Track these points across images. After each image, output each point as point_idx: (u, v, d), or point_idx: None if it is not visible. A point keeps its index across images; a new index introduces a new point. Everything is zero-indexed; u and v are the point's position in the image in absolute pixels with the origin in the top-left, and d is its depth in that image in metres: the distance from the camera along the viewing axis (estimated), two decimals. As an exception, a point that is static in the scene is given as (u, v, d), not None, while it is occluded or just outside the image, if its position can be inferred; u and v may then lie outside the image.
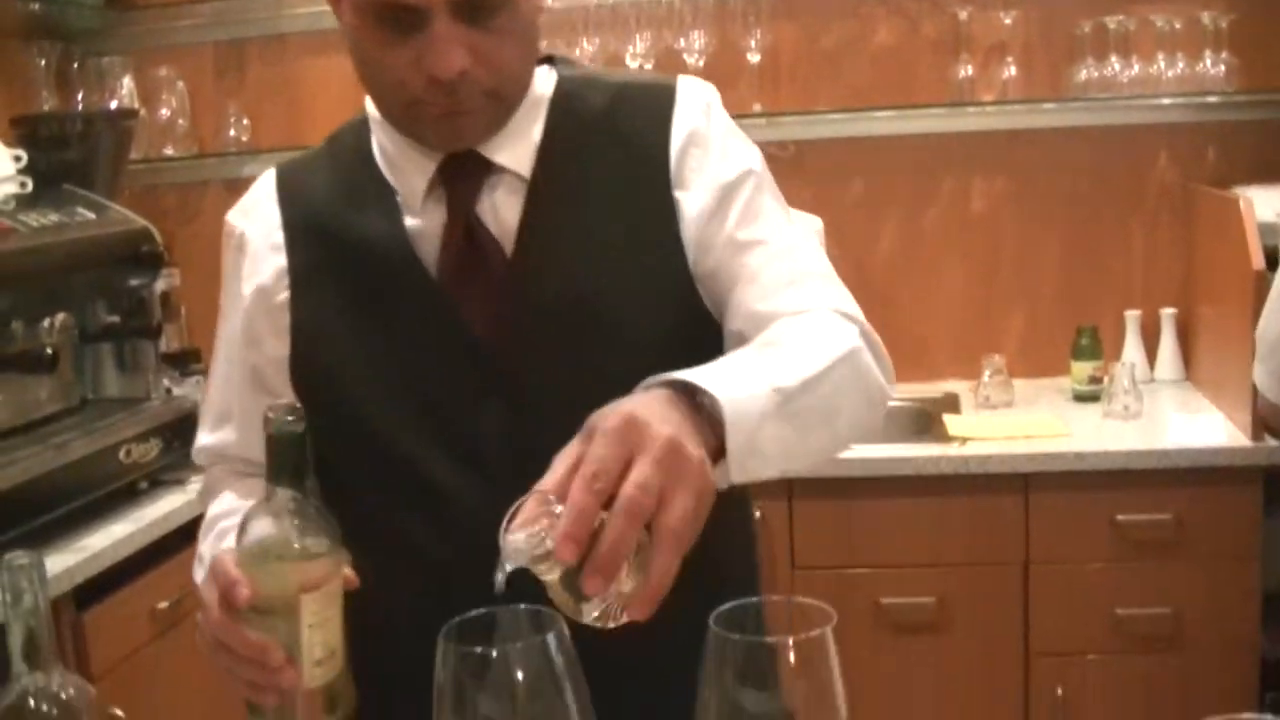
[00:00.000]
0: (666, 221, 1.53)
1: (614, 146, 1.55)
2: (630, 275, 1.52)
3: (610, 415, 1.06)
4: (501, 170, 1.54)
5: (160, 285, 3.29)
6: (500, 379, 1.51)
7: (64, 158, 3.34)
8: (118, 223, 3.22)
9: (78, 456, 2.88)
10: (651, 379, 1.18)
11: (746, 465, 1.19)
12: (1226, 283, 3.32)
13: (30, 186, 3.07)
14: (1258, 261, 3.08)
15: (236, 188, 1.67)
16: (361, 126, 1.62)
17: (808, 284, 1.48)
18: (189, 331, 3.78)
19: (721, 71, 3.79)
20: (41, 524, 2.72)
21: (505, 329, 1.52)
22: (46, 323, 3.00)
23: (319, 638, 1.25)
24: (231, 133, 4.03)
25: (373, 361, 1.54)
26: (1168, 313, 3.76)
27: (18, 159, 3.09)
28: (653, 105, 1.58)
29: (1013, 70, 3.76)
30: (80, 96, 3.91)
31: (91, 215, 3.16)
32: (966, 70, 3.76)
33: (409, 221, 1.55)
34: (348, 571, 1.33)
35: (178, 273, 3.58)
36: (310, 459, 1.45)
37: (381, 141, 1.59)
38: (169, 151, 4.04)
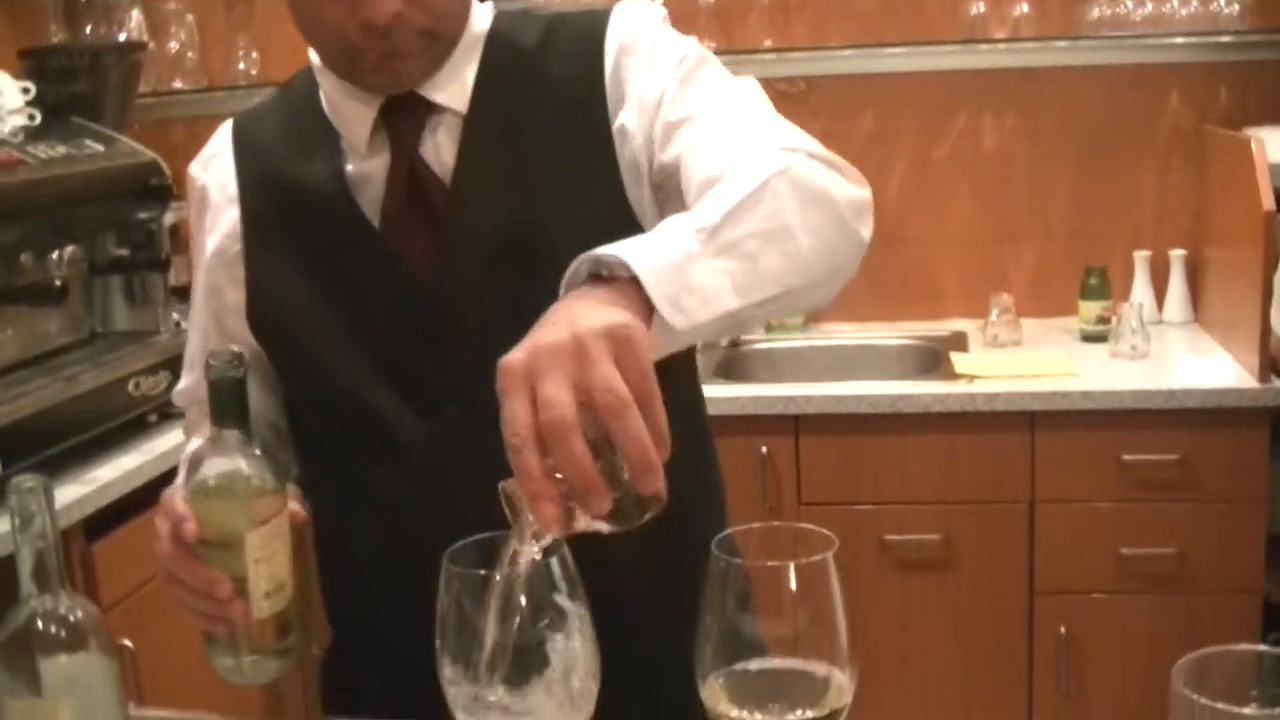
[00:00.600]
0: (604, 150, 1.51)
1: (549, 77, 1.53)
2: (568, 207, 1.50)
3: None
4: (443, 110, 1.53)
5: (169, 218, 3.29)
6: (444, 318, 1.51)
7: (72, 90, 3.33)
8: (126, 155, 3.21)
9: (87, 389, 2.89)
10: (571, 268, 1.16)
11: (682, 305, 1.14)
12: (1237, 224, 3.30)
13: (39, 119, 3.07)
14: (1268, 202, 3.07)
15: (227, 120, 1.68)
16: (310, 74, 1.61)
17: (747, 136, 1.42)
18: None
19: (732, 6, 3.77)
20: (51, 455, 2.72)
21: (445, 268, 1.51)
22: (55, 255, 2.99)
23: (265, 571, 1.30)
24: (240, 66, 4.02)
25: (323, 309, 1.55)
26: (1177, 254, 3.75)
27: (26, 91, 3.09)
28: (587, 32, 1.55)
29: (1025, 7, 3.73)
30: (88, 29, 3.90)
31: (100, 148, 3.15)
32: (979, 7, 3.73)
33: (356, 166, 1.55)
34: (294, 507, 1.38)
35: (186, 205, 3.58)
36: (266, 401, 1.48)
37: (325, 88, 1.58)
38: (178, 85, 4.03)
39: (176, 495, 1.33)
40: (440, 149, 1.53)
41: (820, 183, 1.32)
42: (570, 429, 0.99)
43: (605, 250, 1.14)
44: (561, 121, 1.52)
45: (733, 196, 1.24)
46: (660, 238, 1.18)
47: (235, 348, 1.38)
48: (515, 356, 1.03)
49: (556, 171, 1.51)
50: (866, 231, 1.36)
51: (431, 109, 1.53)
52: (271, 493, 1.31)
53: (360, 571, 1.65)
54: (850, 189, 1.36)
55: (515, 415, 1.00)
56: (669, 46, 1.54)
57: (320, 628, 1.76)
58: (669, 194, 1.52)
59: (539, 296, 1.13)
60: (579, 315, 1.05)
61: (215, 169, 1.64)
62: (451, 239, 1.51)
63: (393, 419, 1.53)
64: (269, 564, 1.30)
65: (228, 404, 1.29)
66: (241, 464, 1.30)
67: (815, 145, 1.38)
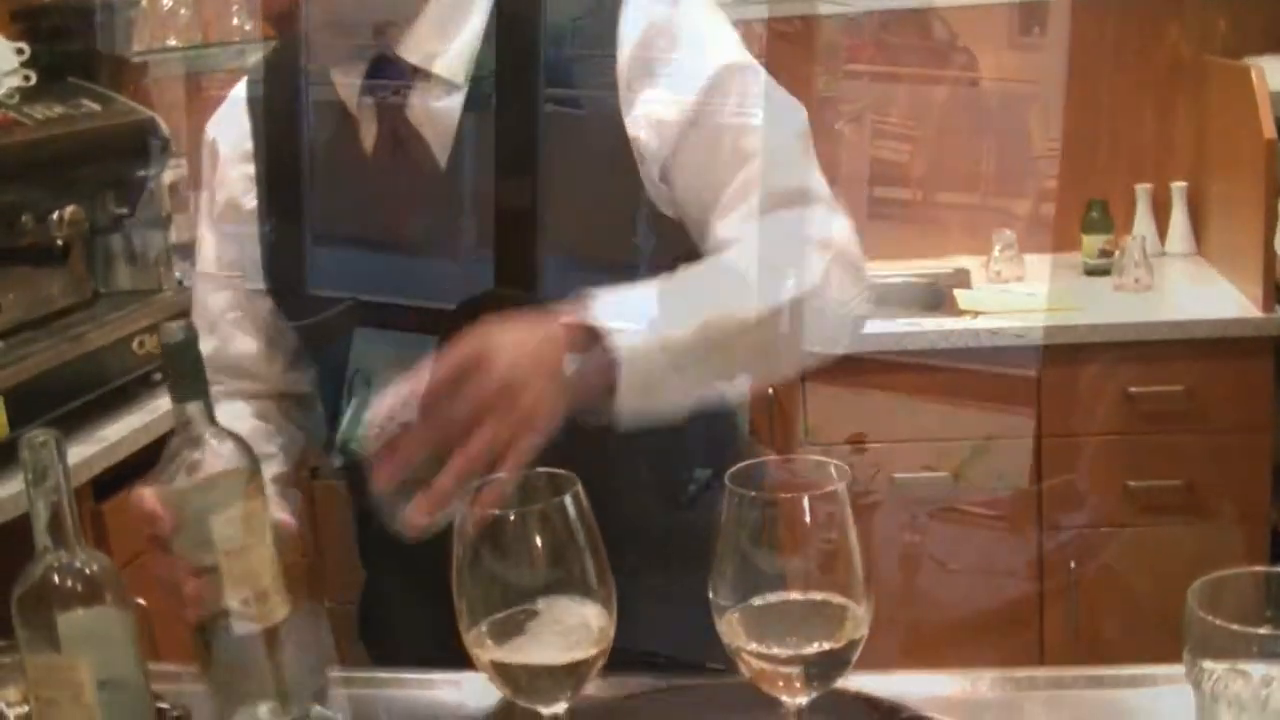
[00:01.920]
0: (614, 129, 1.43)
1: (560, 47, 1.45)
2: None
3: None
4: (427, 73, 1.47)
5: (168, 176, 3.29)
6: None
7: (66, 50, 3.32)
8: (123, 114, 3.20)
9: (91, 349, 2.90)
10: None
11: (638, 407, 1.25)
12: (1238, 154, 3.29)
13: (34, 80, 3.06)
14: (1269, 131, 3.06)
15: (241, 78, 1.67)
16: None
17: (787, 206, 1.41)
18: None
19: (727, -51, 3.75)
20: (57, 416, 2.73)
21: (434, 237, 1.49)
22: (56, 216, 2.99)
23: (238, 561, 1.29)
24: (235, 21, 4.00)
25: (340, 254, 1.55)
26: (1178, 186, 3.74)
27: (20, 52, 3.07)
28: None
29: (1023, -59, 3.71)
30: (80, -12, 3.88)
31: (97, 107, 3.15)
32: (976, -58, 3.71)
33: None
34: (284, 517, 1.41)
35: (185, 163, 3.57)
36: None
37: None
38: (172, 42, 4.00)
39: (145, 491, 1.31)
40: (431, 114, 1.48)
41: (785, 338, 1.37)
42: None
43: (609, 319, 1.23)
44: (572, 97, 1.46)
45: (725, 320, 1.32)
46: (651, 332, 1.26)
47: (185, 320, 1.37)
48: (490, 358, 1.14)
49: (562, 147, 1.45)
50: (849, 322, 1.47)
51: (415, 72, 1.48)
52: (240, 481, 1.28)
53: (373, 536, 1.65)
54: (844, 297, 1.44)
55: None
56: (713, 38, 1.47)
57: (330, 582, 1.77)
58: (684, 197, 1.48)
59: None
60: (534, 370, 1.17)
61: (229, 125, 1.63)
62: (446, 208, 1.49)
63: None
64: (241, 555, 1.28)
65: (185, 373, 1.27)
66: (210, 455, 1.28)
67: (845, 231, 1.49)
